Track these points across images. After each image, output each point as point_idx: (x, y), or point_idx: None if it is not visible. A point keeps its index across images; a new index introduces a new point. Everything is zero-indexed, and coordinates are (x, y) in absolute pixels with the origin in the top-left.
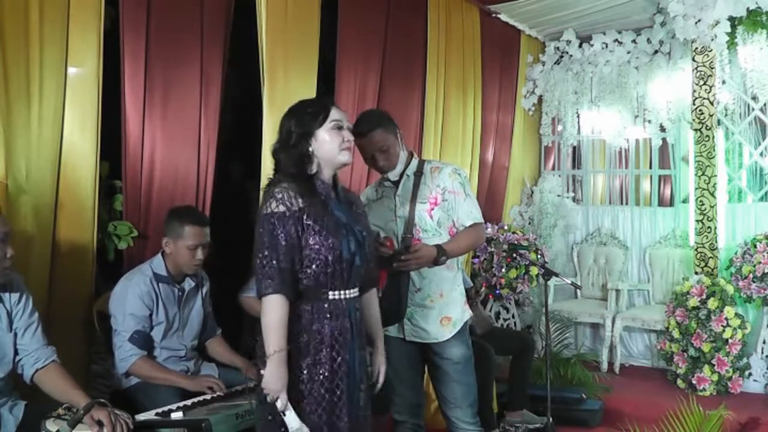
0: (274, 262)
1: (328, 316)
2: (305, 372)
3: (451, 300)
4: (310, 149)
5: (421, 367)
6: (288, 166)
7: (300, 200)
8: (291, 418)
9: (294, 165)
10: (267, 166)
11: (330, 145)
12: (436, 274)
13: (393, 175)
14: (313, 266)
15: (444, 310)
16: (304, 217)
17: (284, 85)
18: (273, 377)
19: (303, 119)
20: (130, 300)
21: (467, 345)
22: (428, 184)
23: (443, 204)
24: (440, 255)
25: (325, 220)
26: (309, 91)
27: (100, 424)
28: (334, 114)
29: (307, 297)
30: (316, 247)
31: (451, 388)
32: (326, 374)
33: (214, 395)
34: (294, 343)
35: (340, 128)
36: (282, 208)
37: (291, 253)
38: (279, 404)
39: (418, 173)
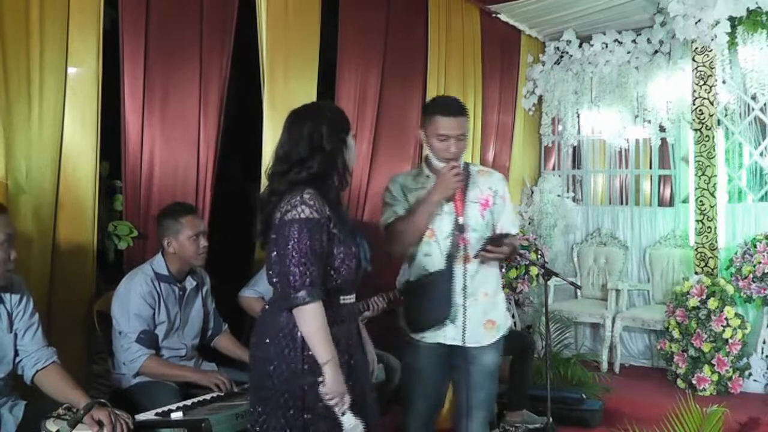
0: (313, 269)
1: (342, 320)
2: (320, 376)
3: (498, 301)
4: (344, 154)
5: (448, 372)
6: (322, 171)
7: (326, 208)
8: (348, 417)
9: (330, 170)
10: (267, 167)
11: (353, 152)
12: (482, 273)
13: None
14: (336, 274)
15: (489, 312)
16: (330, 225)
17: (284, 85)
18: (335, 383)
19: (335, 124)
20: (133, 300)
21: (501, 352)
22: (478, 185)
23: (493, 207)
24: (516, 252)
25: (345, 227)
26: (309, 92)
27: (100, 424)
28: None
29: (325, 303)
30: (341, 256)
31: (476, 395)
32: (343, 377)
33: (214, 395)
34: (309, 349)
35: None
36: (315, 215)
37: (323, 260)
38: (344, 406)
39: (465, 173)
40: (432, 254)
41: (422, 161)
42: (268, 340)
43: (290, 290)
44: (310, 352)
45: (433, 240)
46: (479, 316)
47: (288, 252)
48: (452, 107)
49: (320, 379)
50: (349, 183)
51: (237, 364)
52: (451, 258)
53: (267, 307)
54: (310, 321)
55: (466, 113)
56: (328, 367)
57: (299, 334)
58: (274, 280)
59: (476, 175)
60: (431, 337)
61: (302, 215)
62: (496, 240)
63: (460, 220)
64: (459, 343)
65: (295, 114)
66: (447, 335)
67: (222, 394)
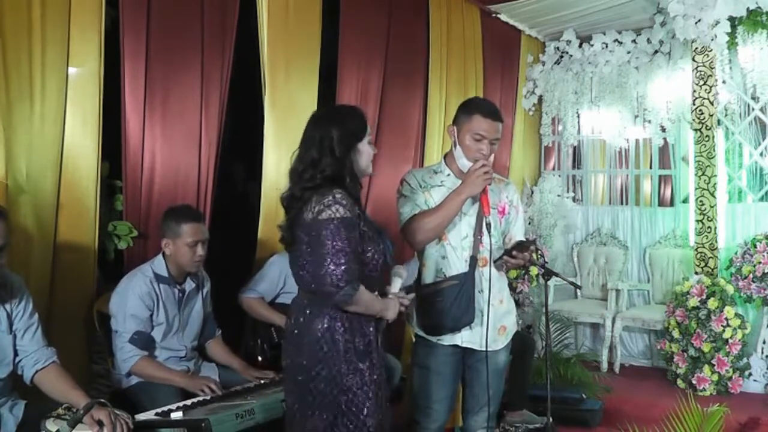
0: (354, 266)
1: (370, 318)
2: (367, 374)
3: (510, 309)
4: (353, 160)
5: (461, 373)
6: (331, 174)
7: (356, 207)
8: (395, 285)
9: (340, 174)
10: (268, 167)
11: (366, 158)
12: (498, 279)
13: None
14: (367, 271)
15: (503, 318)
16: (361, 223)
17: (285, 85)
18: (391, 311)
19: (346, 130)
20: (130, 300)
21: (509, 351)
22: (495, 191)
23: (507, 216)
24: (531, 261)
25: (371, 225)
26: (311, 92)
27: (100, 423)
28: (368, 127)
29: None
30: (371, 252)
31: (485, 394)
32: (379, 374)
33: (213, 395)
34: (353, 347)
35: (371, 141)
36: (349, 214)
37: (357, 258)
38: (404, 300)
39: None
40: (448, 256)
41: (442, 159)
42: (308, 347)
43: (333, 289)
44: (351, 353)
45: (446, 243)
46: (494, 321)
47: (327, 252)
48: (493, 110)
49: (381, 319)
50: (361, 187)
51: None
52: (474, 260)
53: (301, 312)
54: (363, 304)
55: (503, 120)
56: (383, 313)
57: (340, 337)
58: (308, 279)
59: (493, 183)
60: (448, 339)
61: (338, 214)
62: (522, 246)
63: (488, 219)
64: (474, 347)
65: (313, 116)
66: (463, 338)
67: (220, 394)
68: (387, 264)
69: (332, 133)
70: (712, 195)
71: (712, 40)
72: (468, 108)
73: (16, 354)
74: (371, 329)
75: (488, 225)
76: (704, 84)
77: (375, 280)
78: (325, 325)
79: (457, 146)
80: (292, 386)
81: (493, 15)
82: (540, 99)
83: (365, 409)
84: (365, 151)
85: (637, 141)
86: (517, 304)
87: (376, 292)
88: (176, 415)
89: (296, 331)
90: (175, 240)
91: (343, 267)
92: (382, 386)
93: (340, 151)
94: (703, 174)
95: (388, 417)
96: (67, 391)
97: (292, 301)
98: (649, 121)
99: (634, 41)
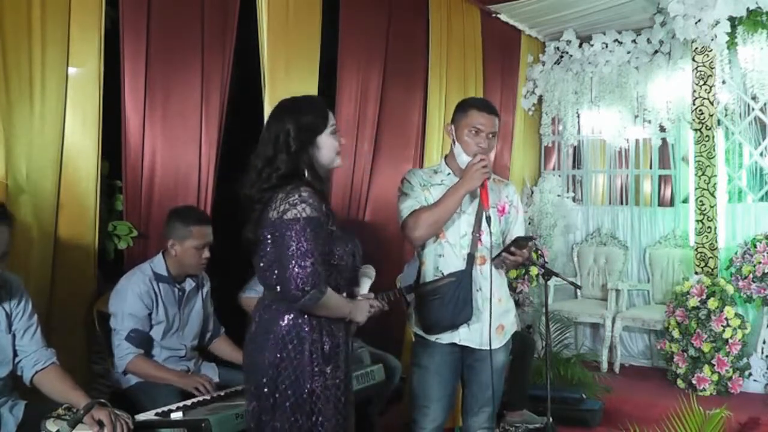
0: (320, 268)
1: (340, 320)
2: (329, 378)
3: (509, 308)
4: (311, 156)
5: (460, 373)
6: (286, 172)
7: (323, 205)
8: (364, 286)
9: (296, 171)
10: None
11: (329, 151)
12: (497, 278)
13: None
14: (336, 273)
15: (501, 317)
16: (329, 222)
17: (285, 84)
18: (362, 314)
19: (302, 124)
20: (129, 299)
21: (509, 351)
22: (495, 191)
23: (507, 215)
24: (530, 259)
25: (337, 225)
26: (310, 91)
27: (100, 424)
28: (331, 118)
29: None
30: (339, 253)
31: (485, 393)
32: (342, 377)
33: (214, 395)
34: (320, 348)
35: (334, 132)
36: (315, 213)
37: (324, 259)
38: (375, 305)
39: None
40: (445, 255)
41: (442, 159)
42: (271, 345)
43: (298, 293)
44: (318, 354)
45: (444, 241)
46: (492, 320)
47: (291, 254)
48: (487, 105)
49: (351, 322)
50: (325, 183)
51: (237, 364)
52: (471, 258)
53: (263, 310)
54: (330, 307)
55: (498, 115)
56: (352, 313)
57: (306, 336)
58: (275, 281)
59: (493, 183)
60: (447, 337)
61: (304, 214)
62: (520, 242)
63: (488, 213)
64: (472, 345)
65: (274, 109)
66: (461, 336)
67: (212, 395)
68: (356, 265)
69: (287, 127)
70: (712, 195)
71: (712, 40)
72: (463, 105)
73: (15, 354)
74: (341, 332)
75: (488, 219)
76: (704, 84)
77: (344, 281)
78: (291, 323)
79: (456, 143)
80: (252, 388)
81: (493, 15)
82: (540, 99)
83: (324, 413)
84: (326, 144)
85: (637, 141)
86: (517, 304)
87: (345, 294)
88: (176, 416)
89: (258, 329)
90: (182, 242)
91: (308, 270)
92: (346, 389)
93: (295, 147)
94: (703, 174)
95: (351, 422)
96: (67, 391)
97: (258, 299)
98: (649, 121)
99: (634, 41)
